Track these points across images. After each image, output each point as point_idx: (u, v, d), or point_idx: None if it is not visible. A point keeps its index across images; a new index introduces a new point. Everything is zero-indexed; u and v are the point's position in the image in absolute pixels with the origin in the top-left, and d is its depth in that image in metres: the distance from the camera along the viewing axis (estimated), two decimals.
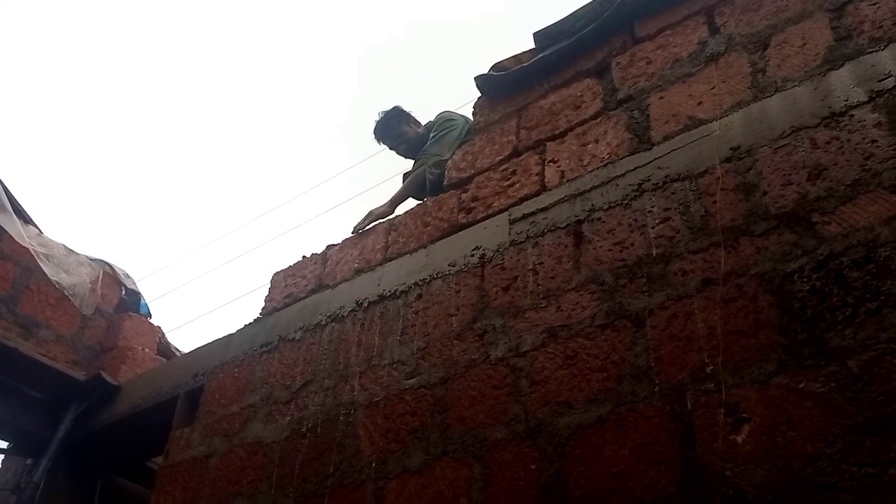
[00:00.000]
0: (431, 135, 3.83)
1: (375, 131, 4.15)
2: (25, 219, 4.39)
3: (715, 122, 2.24)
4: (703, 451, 1.68)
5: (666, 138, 2.34)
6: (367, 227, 3.23)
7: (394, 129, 4.09)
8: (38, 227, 4.47)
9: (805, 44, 2.22)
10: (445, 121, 3.83)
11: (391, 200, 3.53)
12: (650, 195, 2.22)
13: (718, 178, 2.10)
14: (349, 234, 3.30)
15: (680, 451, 1.71)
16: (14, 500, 3.63)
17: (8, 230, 4.20)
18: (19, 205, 4.38)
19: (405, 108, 4.15)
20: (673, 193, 2.17)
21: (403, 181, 3.73)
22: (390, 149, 4.17)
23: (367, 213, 3.39)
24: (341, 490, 2.29)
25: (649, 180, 2.25)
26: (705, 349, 1.82)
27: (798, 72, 2.17)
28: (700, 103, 2.35)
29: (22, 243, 4.23)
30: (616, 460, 1.79)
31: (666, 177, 2.22)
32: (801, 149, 1.99)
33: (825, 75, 2.10)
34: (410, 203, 3.60)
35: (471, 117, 3.79)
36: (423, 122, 4.11)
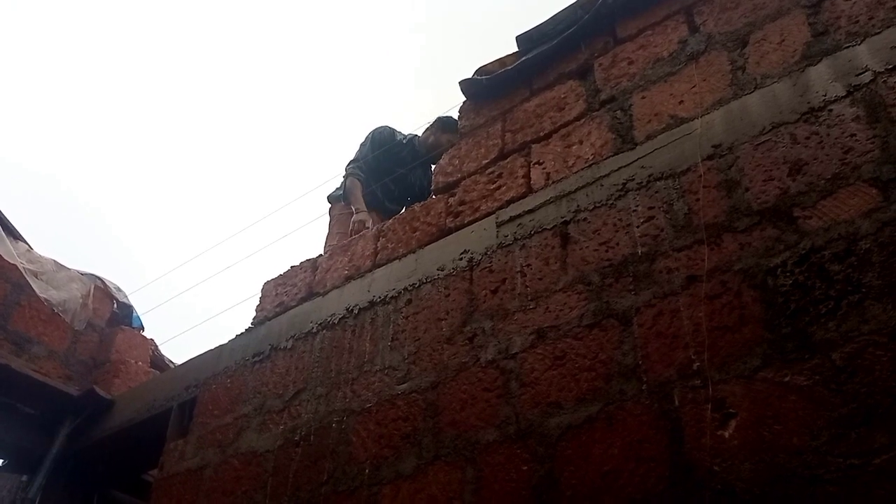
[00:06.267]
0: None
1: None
2: (14, 235, 4.38)
3: (696, 120, 2.26)
4: (691, 447, 1.69)
5: (649, 137, 2.35)
6: (356, 235, 3.25)
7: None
8: (27, 243, 4.45)
9: (783, 40, 2.24)
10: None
11: None
12: (634, 194, 2.23)
13: (701, 176, 2.11)
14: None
15: (668, 448, 1.72)
16: None
17: None
18: (8, 221, 4.37)
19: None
20: (657, 192, 2.18)
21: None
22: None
23: None
24: (335, 497, 2.29)
25: (633, 179, 2.26)
26: (691, 346, 1.83)
27: (777, 68, 2.19)
28: (681, 102, 2.36)
29: (11, 260, 4.21)
30: (606, 459, 1.80)
31: (649, 176, 2.23)
32: (782, 145, 2.01)
33: (804, 71, 2.11)
34: None
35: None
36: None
